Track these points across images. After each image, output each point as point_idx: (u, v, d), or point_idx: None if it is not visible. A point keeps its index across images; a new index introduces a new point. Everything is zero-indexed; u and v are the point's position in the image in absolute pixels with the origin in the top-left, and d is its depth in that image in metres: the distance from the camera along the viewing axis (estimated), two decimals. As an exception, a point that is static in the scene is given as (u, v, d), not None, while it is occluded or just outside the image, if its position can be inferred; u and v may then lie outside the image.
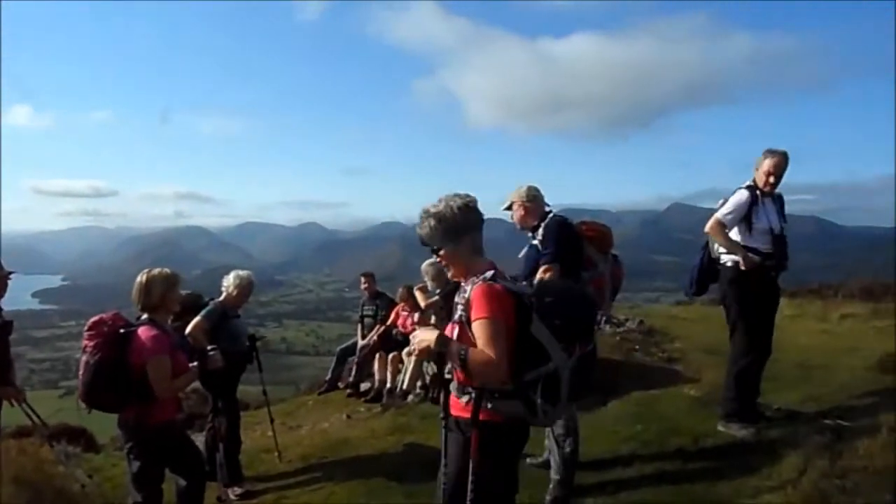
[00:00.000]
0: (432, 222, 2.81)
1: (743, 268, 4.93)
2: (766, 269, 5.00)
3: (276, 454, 6.09)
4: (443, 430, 2.84)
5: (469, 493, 2.69)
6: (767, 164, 4.95)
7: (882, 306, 9.66)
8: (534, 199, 4.59)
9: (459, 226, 2.80)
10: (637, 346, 8.27)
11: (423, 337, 2.72)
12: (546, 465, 4.66)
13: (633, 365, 7.66)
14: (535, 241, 4.49)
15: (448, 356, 2.67)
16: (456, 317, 2.78)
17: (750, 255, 4.92)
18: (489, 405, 2.68)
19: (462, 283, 2.84)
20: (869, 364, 6.66)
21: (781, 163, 4.94)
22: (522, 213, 4.61)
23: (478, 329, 2.62)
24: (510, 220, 4.76)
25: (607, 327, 8.94)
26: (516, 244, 4.78)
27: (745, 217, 4.97)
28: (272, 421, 6.25)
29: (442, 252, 2.85)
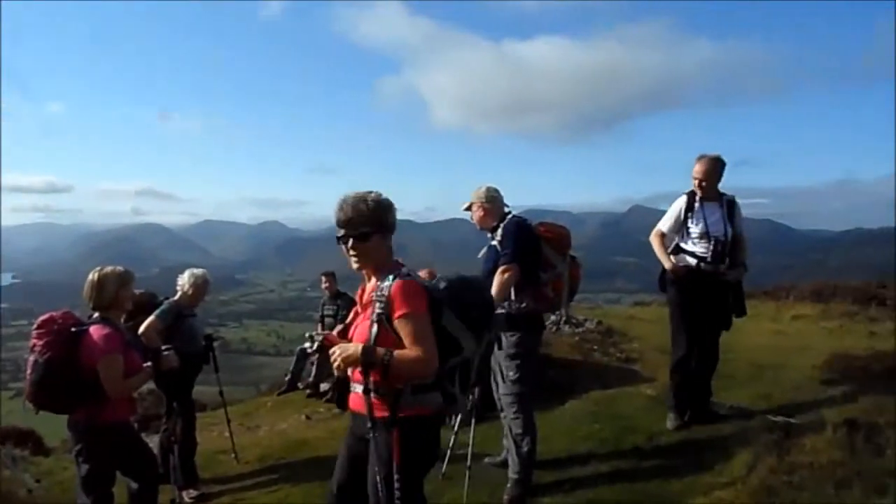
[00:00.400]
0: (370, 205, 2.75)
1: (685, 265, 5.16)
2: (702, 272, 5.13)
3: (232, 455, 6.01)
4: (371, 436, 2.71)
5: (396, 493, 2.65)
6: (696, 169, 5.12)
7: (830, 307, 9.97)
8: (493, 200, 4.62)
9: (391, 219, 2.82)
10: (595, 346, 8.38)
11: (347, 351, 2.65)
12: (504, 464, 4.69)
13: (591, 365, 7.75)
14: (494, 242, 4.50)
15: (374, 365, 2.61)
16: (374, 315, 2.69)
17: (675, 264, 5.18)
18: (414, 400, 2.68)
19: (375, 280, 2.78)
20: (817, 363, 6.85)
21: (707, 167, 5.07)
22: (482, 213, 4.63)
23: (403, 326, 2.61)
24: (470, 221, 4.79)
25: (566, 327, 9.04)
26: (477, 245, 4.81)
27: (684, 222, 5.18)
28: (229, 422, 6.16)
29: (372, 239, 2.76)
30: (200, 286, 5.47)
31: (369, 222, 2.74)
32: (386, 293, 2.66)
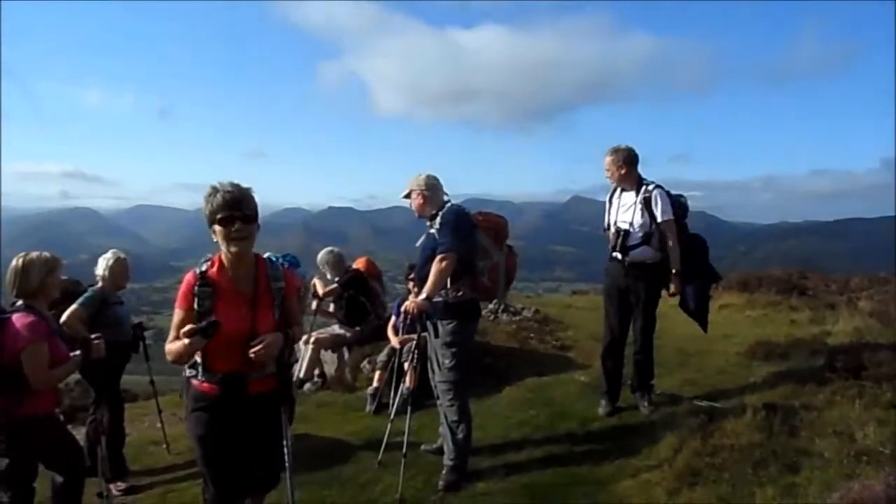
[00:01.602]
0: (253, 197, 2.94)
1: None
2: (615, 261, 5.38)
3: (164, 446, 5.88)
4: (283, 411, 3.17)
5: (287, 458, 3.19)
6: (604, 161, 5.35)
7: (755, 297, 10.38)
8: (432, 188, 4.62)
9: None
10: (532, 335, 8.51)
11: (275, 341, 2.96)
12: (440, 451, 4.75)
13: (527, 352, 7.89)
14: (433, 230, 4.52)
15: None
16: (277, 302, 3.06)
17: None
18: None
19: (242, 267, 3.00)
20: (741, 350, 7.15)
21: (608, 160, 5.30)
22: (420, 201, 4.63)
23: (294, 305, 3.20)
24: (410, 209, 4.79)
25: (504, 316, 9.15)
26: (417, 233, 4.82)
27: (607, 214, 5.48)
28: (160, 412, 6.01)
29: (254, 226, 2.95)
30: (116, 268, 5.23)
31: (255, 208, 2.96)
32: (282, 281, 3.07)
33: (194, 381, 3.03)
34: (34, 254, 3.82)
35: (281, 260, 3.38)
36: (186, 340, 2.80)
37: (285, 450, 3.17)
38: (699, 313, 5.43)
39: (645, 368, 5.52)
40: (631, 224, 5.22)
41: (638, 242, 5.21)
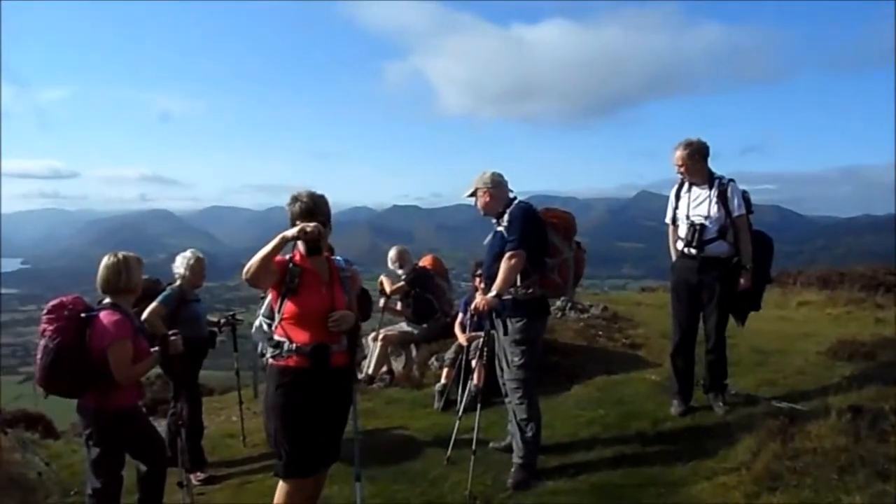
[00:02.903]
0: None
1: (678, 252, 5.32)
2: (687, 256, 5.22)
3: (241, 439, 6.07)
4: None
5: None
6: (675, 156, 5.21)
7: (837, 294, 9.94)
8: (498, 186, 4.60)
9: None
10: (600, 332, 8.37)
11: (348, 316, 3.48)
12: (509, 448, 4.73)
13: (596, 350, 7.77)
14: (500, 228, 4.50)
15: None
16: (347, 286, 3.60)
17: (674, 246, 5.36)
18: None
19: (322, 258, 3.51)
20: (821, 349, 6.84)
21: (682, 153, 5.14)
22: (487, 199, 4.61)
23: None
24: (474, 207, 4.78)
25: (571, 313, 9.04)
26: (482, 231, 4.81)
27: (675, 208, 5.33)
28: (241, 403, 6.19)
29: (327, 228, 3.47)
30: (194, 266, 5.41)
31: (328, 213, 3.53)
32: (348, 272, 3.64)
33: (279, 361, 3.39)
34: (128, 253, 3.99)
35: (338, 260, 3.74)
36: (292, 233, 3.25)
37: (356, 425, 3.78)
38: (747, 308, 5.31)
39: (718, 368, 5.34)
40: (706, 218, 5.08)
41: (714, 237, 5.07)
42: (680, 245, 5.27)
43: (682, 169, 5.18)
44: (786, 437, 4.25)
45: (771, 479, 3.84)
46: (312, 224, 3.25)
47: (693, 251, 5.14)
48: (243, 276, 3.26)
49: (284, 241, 3.24)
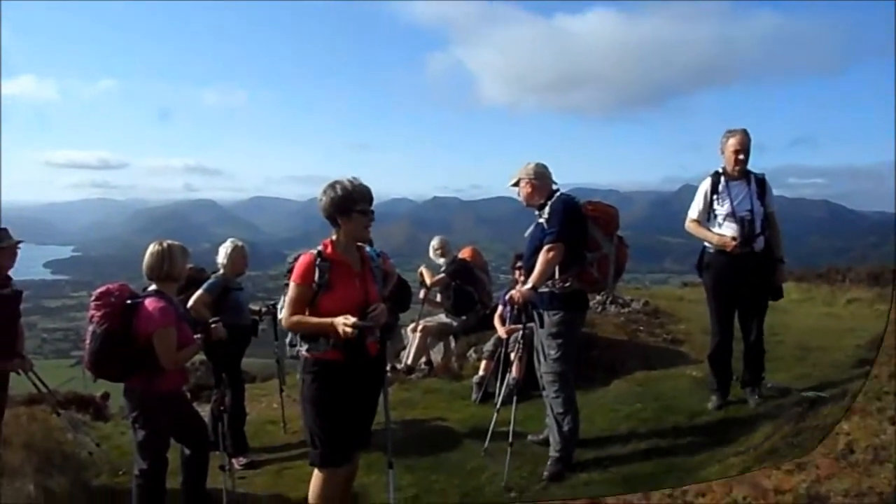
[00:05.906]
0: None
1: (716, 248, 5.07)
2: (725, 253, 5.02)
3: (281, 425, 6.17)
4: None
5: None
6: (732, 142, 5.00)
7: (887, 291, 9.62)
8: (541, 177, 4.57)
9: None
10: (641, 327, 8.27)
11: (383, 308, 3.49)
12: (546, 442, 4.72)
13: (636, 345, 7.68)
14: (541, 220, 4.47)
15: None
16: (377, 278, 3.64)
17: (720, 235, 5.02)
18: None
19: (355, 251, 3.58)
20: (862, 343, 6.65)
21: (745, 140, 4.98)
22: (529, 190, 4.59)
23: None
24: (517, 198, 4.75)
25: (612, 307, 8.95)
26: (523, 223, 4.79)
27: (710, 204, 5.10)
28: (282, 391, 6.28)
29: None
30: (235, 255, 5.50)
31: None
32: (379, 263, 3.69)
33: (315, 354, 3.45)
34: (172, 242, 4.09)
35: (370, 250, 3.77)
36: (339, 323, 3.24)
37: (387, 413, 3.85)
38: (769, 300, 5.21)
39: (756, 363, 5.25)
40: (752, 213, 4.96)
41: (760, 232, 4.96)
42: (728, 240, 4.99)
43: (740, 156, 4.98)
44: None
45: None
46: (352, 321, 3.24)
47: (745, 248, 4.96)
48: (283, 325, 3.55)
49: (324, 331, 3.35)
